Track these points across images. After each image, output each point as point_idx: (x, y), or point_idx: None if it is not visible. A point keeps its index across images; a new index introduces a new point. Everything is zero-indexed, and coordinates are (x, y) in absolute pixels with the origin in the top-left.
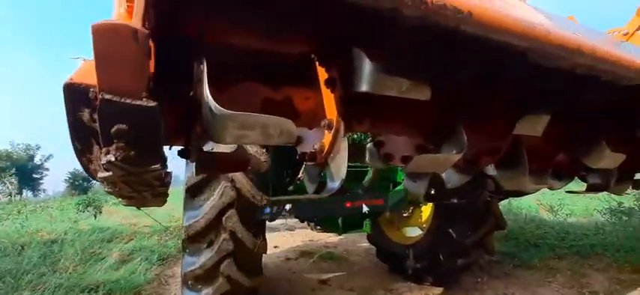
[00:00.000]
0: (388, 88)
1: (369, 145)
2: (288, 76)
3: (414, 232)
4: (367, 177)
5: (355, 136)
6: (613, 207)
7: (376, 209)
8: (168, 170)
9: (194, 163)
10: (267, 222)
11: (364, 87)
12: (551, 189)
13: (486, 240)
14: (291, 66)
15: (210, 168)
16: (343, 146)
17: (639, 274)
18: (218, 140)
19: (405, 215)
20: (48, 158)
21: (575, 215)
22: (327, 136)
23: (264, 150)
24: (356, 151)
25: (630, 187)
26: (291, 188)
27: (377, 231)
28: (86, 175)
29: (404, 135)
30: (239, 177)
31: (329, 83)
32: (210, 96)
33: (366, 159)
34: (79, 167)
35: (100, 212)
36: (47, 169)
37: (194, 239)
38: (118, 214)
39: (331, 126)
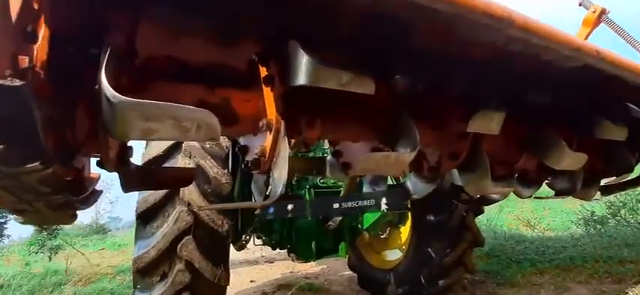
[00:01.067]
0: (326, 81)
1: (328, 157)
2: (225, 76)
3: (394, 255)
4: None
5: (318, 150)
6: (586, 218)
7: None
8: (82, 176)
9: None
10: (245, 255)
11: (301, 80)
12: (520, 196)
13: (466, 258)
14: (228, 65)
15: (138, 185)
16: (284, 146)
17: (620, 284)
18: (120, 135)
19: (382, 236)
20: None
21: (552, 229)
22: (268, 139)
23: (226, 171)
24: (317, 166)
25: (599, 193)
26: (258, 211)
27: (357, 257)
28: None
29: (359, 139)
30: (197, 199)
31: (267, 81)
32: (106, 83)
33: (327, 172)
34: None
35: (56, 253)
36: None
37: (145, 273)
38: (82, 256)
39: (270, 127)
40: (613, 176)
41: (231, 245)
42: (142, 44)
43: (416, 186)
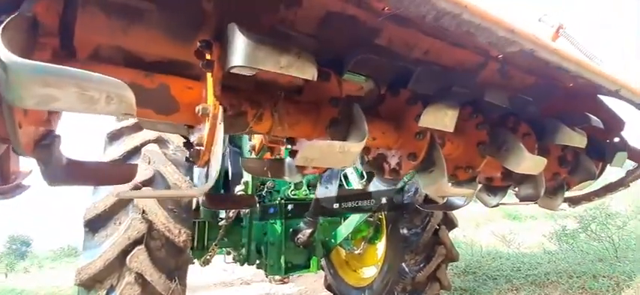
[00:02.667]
0: (264, 62)
1: (287, 159)
2: (164, 62)
3: (370, 272)
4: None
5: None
6: (559, 233)
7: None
8: None
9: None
10: (221, 277)
11: (238, 61)
12: (486, 205)
13: (440, 274)
14: (169, 51)
15: (64, 179)
16: (220, 135)
17: None
18: (16, 101)
19: (357, 252)
20: None
21: (527, 244)
22: (207, 126)
23: (188, 178)
24: (275, 168)
25: (567, 206)
26: (223, 222)
27: (333, 276)
28: (26, 238)
29: (312, 135)
30: (153, 206)
31: (207, 65)
32: (1, 43)
33: (286, 174)
34: (18, 231)
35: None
36: None
37: (89, 285)
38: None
39: (207, 111)
40: (577, 184)
41: (195, 260)
42: (78, 26)
43: (377, 189)
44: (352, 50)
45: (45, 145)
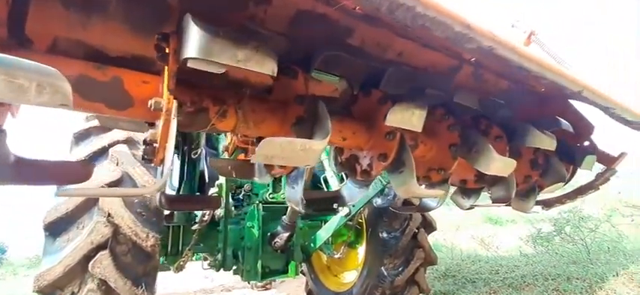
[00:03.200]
0: (219, 55)
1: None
2: (126, 57)
3: (351, 277)
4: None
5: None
6: (534, 236)
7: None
8: None
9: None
10: (201, 284)
11: (192, 52)
12: (461, 207)
13: (419, 277)
14: (124, 44)
15: (11, 178)
16: (173, 131)
17: None
18: None
19: (337, 256)
20: None
21: (505, 248)
22: (160, 123)
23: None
24: (244, 169)
25: (541, 208)
26: (196, 227)
27: (314, 282)
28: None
29: (279, 134)
30: (119, 209)
31: (162, 59)
32: None
33: (255, 175)
34: None
35: None
36: None
37: (49, 293)
38: (21, 282)
39: (160, 106)
40: (548, 186)
41: (170, 267)
42: (31, 16)
43: (350, 191)
44: (323, 49)
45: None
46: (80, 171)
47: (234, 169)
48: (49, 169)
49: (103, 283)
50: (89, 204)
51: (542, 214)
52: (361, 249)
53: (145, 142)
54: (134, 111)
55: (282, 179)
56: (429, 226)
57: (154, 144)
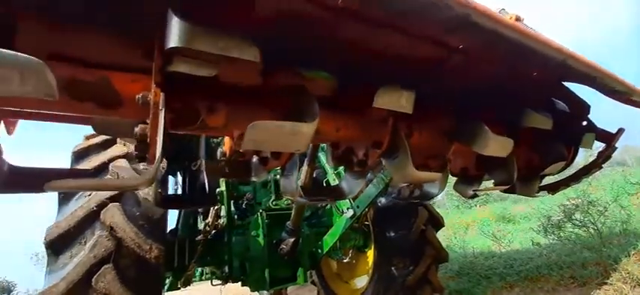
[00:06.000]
0: (200, 43)
1: (253, 159)
2: (104, 61)
3: (362, 282)
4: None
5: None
6: (545, 224)
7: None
8: None
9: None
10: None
11: (174, 42)
12: (464, 195)
13: (431, 275)
14: (111, 46)
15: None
16: (161, 123)
17: (585, 287)
18: None
19: (346, 261)
20: None
21: (518, 241)
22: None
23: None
24: (241, 169)
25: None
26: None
27: (325, 290)
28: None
29: None
30: (121, 222)
31: (145, 50)
32: None
33: (253, 174)
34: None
35: None
36: None
37: None
38: None
39: (147, 99)
40: (550, 166)
41: (175, 280)
42: (20, 32)
43: (349, 184)
44: (309, 45)
45: None
46: (71, 177)
47: (229, 168)
48: (43, 177)
49: None
50: (90, 218)
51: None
52: (371, 253)
53: (136, 138)
54: (124, 111)
55: None
56: (436, 222)
57: (146, 141)
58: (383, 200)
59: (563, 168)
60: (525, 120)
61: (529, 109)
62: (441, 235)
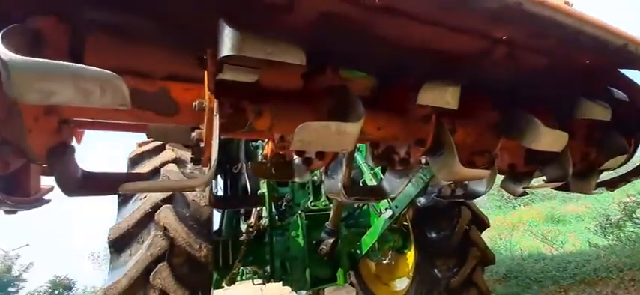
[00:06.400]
0: (250, 49)
1: (295, 160)
2: (161, 64)
3: (402, 284)
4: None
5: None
6: (602, 224)
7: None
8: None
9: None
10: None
11: (227, 51)
12: (513, 194)
13: (477, 277)
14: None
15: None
16: (216, 127)
17: None
18: (21, 97)
19: (385, 262)
20: (27, 267)
21: (569, 242)
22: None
23: (205, 195)
24: (284, 170)
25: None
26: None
27: (364, 290)
28: (68, 282)
29: None
30: (173, 223)
31: (201, 63)
32: (1, 45)
33: (295, 175)
34: (60, 273)
35: None
36: (25, 280)
37: None
38: None
39: (203, 105)
40: (608, 161)
41: (222, 280)
42: (88, 50)
43: (390, 183)
44: (349, 45)
45: (57, 155)
46: (137, 180)
47: (273, 169)
48: (112, 181)
49: (163, 293)
50: (146, 220)
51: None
52: (411, 254)
53: (192, 143)
54: (181, 117)
55: (322, 188)
56: (480, 223)
57: (201, 144)
58: (422, 200)
59: (624, 163)
60: (580, 111)
61: (584, 99)
62: (485, 236)
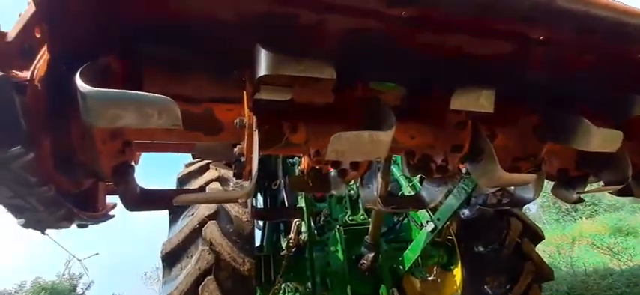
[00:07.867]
0: (285, 68)
1: (332, 172)
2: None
3: None
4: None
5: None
6: None
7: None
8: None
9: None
10: None
11: (263, 71)
12: (567, 201)
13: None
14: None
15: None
16: (256, 141)
17: None
18: (95, 122)
19: (430, 278)
20: (89, 285)
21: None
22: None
23: (247, 210)
24: (321, 183)
25: None
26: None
27: None
28: None
29: None
30: (218, 238)
31: (239, 84)
32: (79, 81)
33: (332, 187)
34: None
35: None
36: None
37: None
38: None
39: (243, 122)
40: None
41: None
42: (145, 79)
43: (429, 192)
44: (377, 58)
45: (121, 174)
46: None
47: (312, 182)
48: (167, 197)
49: None
50: (194, 235)
51: None
52: (457, 271)
53: (234, 158)
54: (225, 135)
55: (360, 202)
56: (533, 234)
57: (242, 159)
58: (466, 212)
59: None
60: (635, 108)
61: (638, 96)
62: (542, 252)
